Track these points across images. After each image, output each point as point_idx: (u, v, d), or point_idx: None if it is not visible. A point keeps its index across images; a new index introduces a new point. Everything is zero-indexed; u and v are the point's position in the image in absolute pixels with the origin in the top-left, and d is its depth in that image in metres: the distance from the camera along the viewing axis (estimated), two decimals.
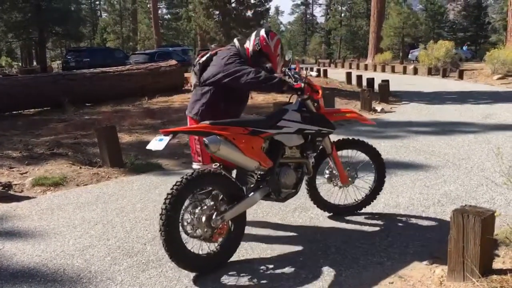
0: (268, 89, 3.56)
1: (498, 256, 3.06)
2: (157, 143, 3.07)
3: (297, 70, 3.72)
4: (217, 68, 3.50)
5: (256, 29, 3.97)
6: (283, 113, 3.53)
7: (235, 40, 3.74)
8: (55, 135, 8.35)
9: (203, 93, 3.59)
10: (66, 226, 4.11)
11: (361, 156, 4.14)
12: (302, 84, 3.51)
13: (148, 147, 3.13)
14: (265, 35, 3.65)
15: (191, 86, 3.77)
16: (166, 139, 3.07)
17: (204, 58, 3.65)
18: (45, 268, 3.29)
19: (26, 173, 5.90)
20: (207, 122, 3.23)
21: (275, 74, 3.52)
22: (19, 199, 4.97)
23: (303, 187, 3.91)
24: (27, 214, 4.47)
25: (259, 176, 3.46)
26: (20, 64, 43.96)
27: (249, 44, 3.67)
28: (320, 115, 3.72)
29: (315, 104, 3.70)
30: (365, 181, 4.17)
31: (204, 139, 3.09)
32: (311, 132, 3.62)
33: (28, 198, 5.03)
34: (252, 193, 3.36)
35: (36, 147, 7.19)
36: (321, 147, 3.85)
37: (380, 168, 4.12)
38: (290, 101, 3.78)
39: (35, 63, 45.71)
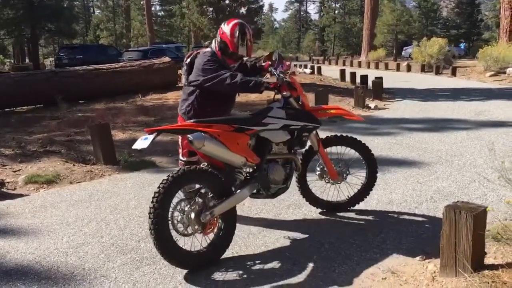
0: (247, 92, 3.62)
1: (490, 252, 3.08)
2: (142, 142, 3.10)
3: (284, 68, 3.72)
4: (197, 72, 3.57)
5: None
6: (268, 111, 3.59)
7: (213, 41, 3.76)
8: (48, 133, 8.31)
9: (189, 93, 3.68)
10: (59, 223, 4.10)
11: (352, 152, 4.15)
12: (279, 83, 3.57)
13: (133, 147, 3.17)
14: (222, 26, 3.71)
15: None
16: (150, 137, 3.09)
17: (189, 60, 3.75)
18: (39, 265, 3.29)
19: (19, 170, 5.87)
20: (192, 120, 3.28)
21: (262, 78, 3.58)
22: (12, 196, 4.95)
23: (295, 184, 3.92)
24: (20, 211, 4.46)
25: (247, 174, 3.49)
26: (12, 61, 43.63)
27: (216, 42, 3.69)
28: (305, 111, 3.75)
29: (300, 102, 3.74)
30: (357, 178, 4.18)
31: (189, 136, 3.12)
32: (297, 128, 3.65)
33: (21, 195, 5.01)
34: (240, 189, 3.37)
35: (29, 145, 7.16)
36: (309, 144, 3.88)
37: (371, 164, 4.13)
38: (276, 98, 3.80)
39: (27, 60, 45.37)
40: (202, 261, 3.15)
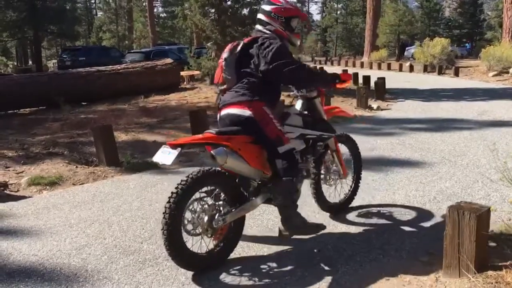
0: (318, 85, 3.52)
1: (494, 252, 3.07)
2: (164, 156, 2.96)
3: None
4: (274, 55, 3.12)
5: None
6: (286, 118, 3.45)
7: (261, 28, 3.40)
8: (51, 134, 8.33)
9: (247, 84, 3.22)
10: (62, 225, 4.10)
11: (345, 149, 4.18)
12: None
13: (154, 159, 3.03)
14: (273, 6, 3.36)
15: (219, 82, 3.37)
16: (174, 152, 2.95)
17: (238, 49, 3.27)
18: (42, 267, 3.29)
19: (22, 172, 5.89)
20: (213, 131, 3.14)
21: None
22: (15, 198, 4.96)
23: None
24: (23, 213, 4.47)
25: (260, 181, 3.38)
26: (15, 63, 43.77)
27: (275, 24, 3.34)
28: (322, 119, 3.68)
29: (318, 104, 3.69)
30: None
31: (212, 151, 3.02)
32: (313, 137, 3.58)
33: (24, 197, 5.01)
34: (254, 197, 3.31)
35: (32, 147, 7.18)
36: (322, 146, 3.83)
37: (358, 160, 4.25)
38: (292, 103, 3.74)
39: (30, 62, 45.51)
40: (208, 263, 3.14)
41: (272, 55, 3.12)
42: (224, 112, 3.26)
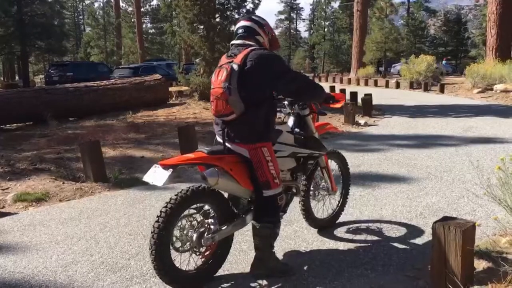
0: (316, 98, 3.44)
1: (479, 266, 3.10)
2: (156, 176, 2.91)
3: None
4: (278, 67, 3.07)
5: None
6: (278, 135, 3.41)
7: (241, 42, 3.19)
8: (38, 150, 8.26)
9: (250, 109, 3.04)
10: (48, 242, 4.06)
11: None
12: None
13: (145, 179, 2.99)
14: (265, 21, 3.28)
15: (224, 113, 3.08)
16: (166, 173, 2.90)
17: (237, 73, 2.99)
18: (27, 285, 3.24)
19: (7, 188, 5.83)
20: (205, 150, 3.10)
21: None
22: (0, 215, 4.90)
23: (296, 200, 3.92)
24: (8, 230, 4.41)
25: (250, 199, 3.36)
26: (2, 78, 43.47)
27: (265, 38, 3.24)
28: (313, 137, 3.70)
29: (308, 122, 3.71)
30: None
31: (203, 173, 3.01)
32: (304, 155, 3.60)
33: (9, 214, 4.96)
34: (243, 215, 3.29)
35: (18, 163, 7.11)
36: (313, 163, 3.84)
37: (347, 174, 4.30)
38: (284, 120, 3.76)
39: (17, 77, 45.24)
40: (196, 280, 3.12)
41: (275, 66, 3.04)
42: (231, 146, 3.15)
